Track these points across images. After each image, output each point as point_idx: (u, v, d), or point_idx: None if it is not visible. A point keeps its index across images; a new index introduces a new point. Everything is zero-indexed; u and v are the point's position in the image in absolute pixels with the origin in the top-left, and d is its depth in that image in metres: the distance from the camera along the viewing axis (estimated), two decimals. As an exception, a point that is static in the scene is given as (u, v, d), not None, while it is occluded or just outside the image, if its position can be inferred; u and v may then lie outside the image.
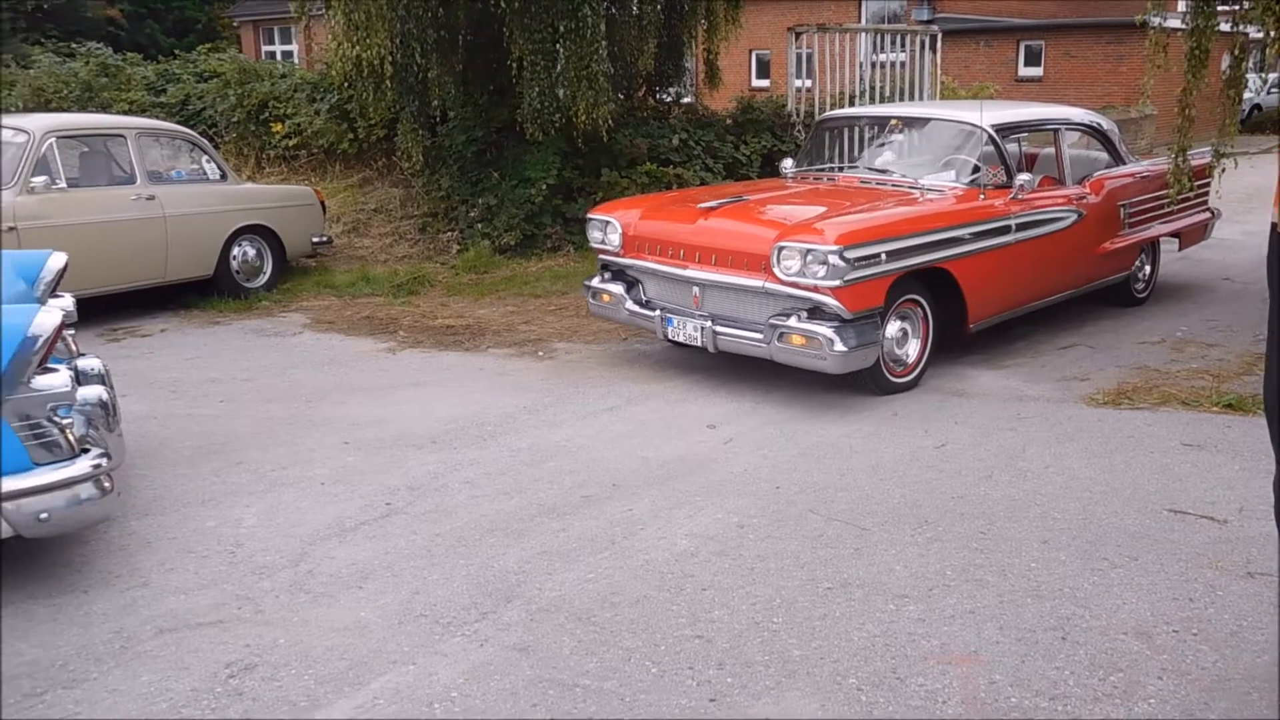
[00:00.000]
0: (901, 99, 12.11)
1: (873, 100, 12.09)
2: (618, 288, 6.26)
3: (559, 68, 9.58)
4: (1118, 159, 7.51)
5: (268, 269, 8.63)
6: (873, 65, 12.64)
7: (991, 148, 6.41)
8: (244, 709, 2.91)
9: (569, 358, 6.71)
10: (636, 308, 6.14)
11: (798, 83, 12.57)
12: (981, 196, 6.15)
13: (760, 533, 4.03)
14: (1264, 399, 2.76)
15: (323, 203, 9.38)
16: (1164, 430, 5.11)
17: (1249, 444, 4.87)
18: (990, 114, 6.58)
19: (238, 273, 8.41)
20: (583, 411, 5.58)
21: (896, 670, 3.08)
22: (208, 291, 8.26)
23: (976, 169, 6.33)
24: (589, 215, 6.53)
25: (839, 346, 5.26)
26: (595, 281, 6.46)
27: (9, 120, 7.83)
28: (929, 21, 19.04)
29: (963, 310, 5.97)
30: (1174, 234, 7.99)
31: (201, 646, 3.24)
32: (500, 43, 9.81)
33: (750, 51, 24.63)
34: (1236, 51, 7.30)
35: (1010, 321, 6.71)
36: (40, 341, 3.39)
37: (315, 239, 9.08)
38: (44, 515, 3.37)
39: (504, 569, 3.75)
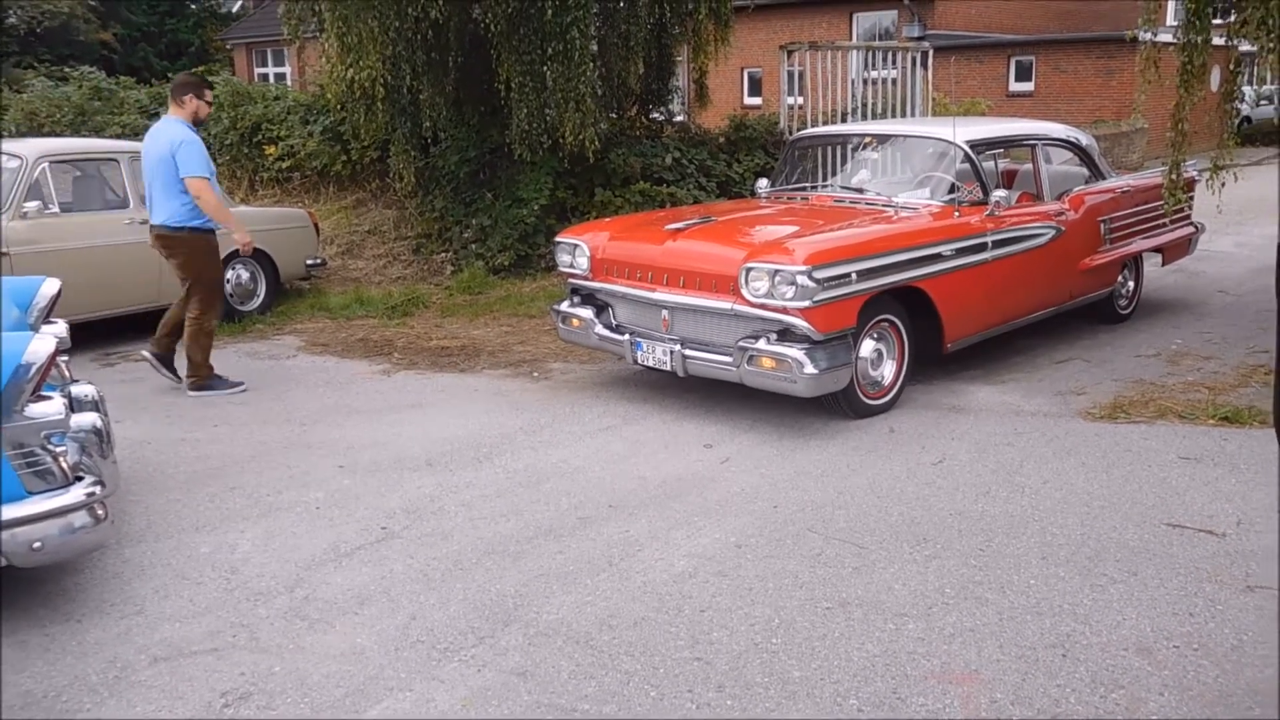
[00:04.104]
0: (893, 116, 12.17)
1: (865, 117, 12.15)
2: (587, 312, 6.21)
3: (548, 89, 9.62)
4: (1098, 174, 7.52)
5: (261, 292, 8.62)
6: (865, 82, 12.72)
7: (967, 165, 6.42)
8: (240, 738, 2.90)
9: (565, 378, 6.71)
10: (606, 332, 6.08)
11: (790, 100, 12.63)
12: (957, 214, 6.13)
13: (759, 552, 4.03)
14: (1274, 414, 2.74)
15: (316, 225, 9.38)
16: (1161, 444, 5.11)
17: (1246, 457, 4.87)
18: (965, 130, 6.59)
19: (231, 296, 8.38)
20: (579, 432, 5.58)
21: (897, 690, 3.07)
22: (201, 315, 8.23)
23: (952, 186, 6.34)
24: (557, 239, 6.49)
25: (809, 369, 5.20)
26: (564, 306, 6.40)
27: (3, 145, 7.84)
28: (920, 38, 19.15)
29: (939, 330, 5.93)
30: (1157, 249, 7.97)
31: (197, 675, 3.22)
32: (490, 64, 9.86)
33: (742, 69, 24.76)
34: (1233, 66, 7.35)
35: (1006, 336, 6.72)
36: (34, 369, 3.38)
37: (309, 261, 9.08)
38: (37, 544, 3.35)
39: (502, 592, 3.74)
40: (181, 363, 6.52)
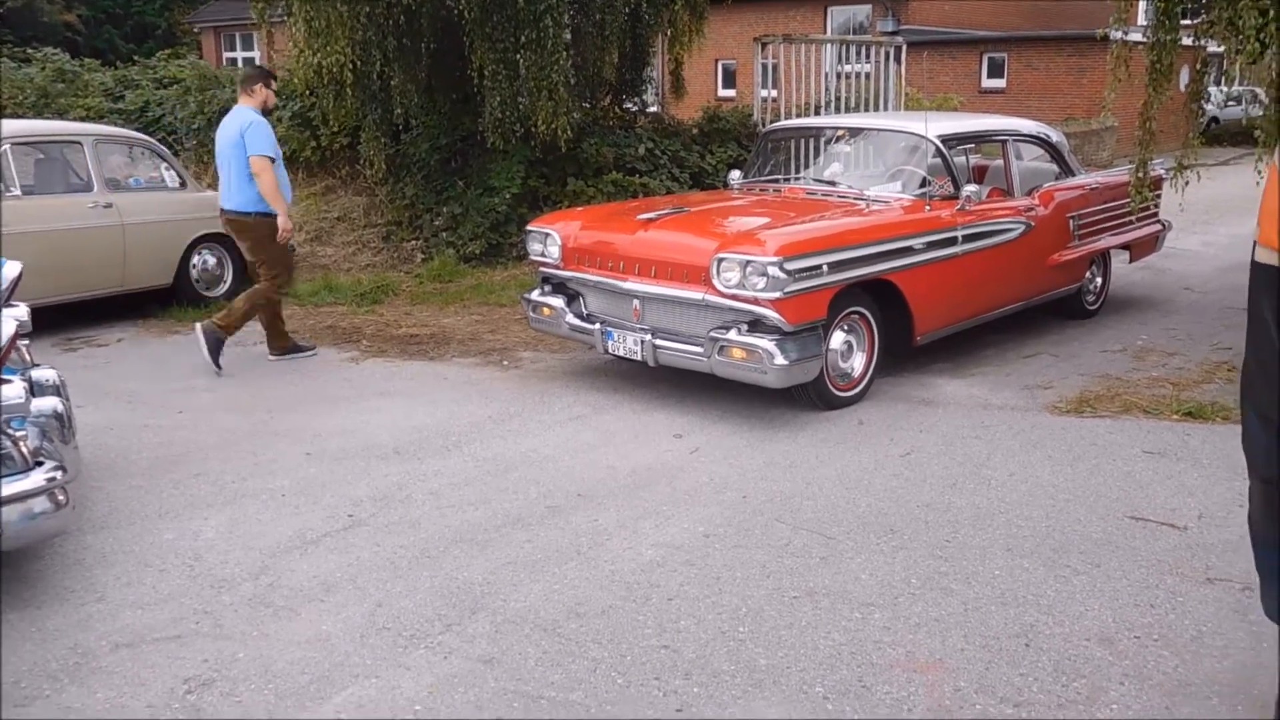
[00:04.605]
0: (866, 110, 12.22)
1: (837, 111, 12.20)
2: (558, 301, 6.20)
3: (521, 77, 9.59)
4: (1067, 171, 7.60)
5: (228, 278, 8.54)
6: (838, 76, 12.77)
7: (938, 159, 6.47)
8: (203, 725, 2.88)
9: (535, 367, 6.70)
10: (577, 321, 6.09)
11: (764, 93, 12.67)
12: (928, 208, 6.18)
13: (727, 542, 4.04)
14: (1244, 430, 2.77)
15: (286, 211, 9.29)
16: (1126, 438, 5.18)
17: (1209, 452, 4.95)
18: (936, 125, 6.63)
19: (198, 281, 8.33)
20: (549, 421, 5.57)
21: (863, 679, 3.09)
22: (167, 300, 8.17)
23: (924, 180, 6.38)
24: (528, 228, 6.48)
25: (779, 360, 5.22)
26: (535, 295, 6.40)
27: (-38, 127, 7.72)
28: (893, 33, 19.24)
29: (909, 323, 5.98)
30: (1125, 246, 8.07)
31: (159, 662, 3.19)
32: (463, 51, 9.81)
33: (716, 61, 24.78)
34: (1199, 66, 7.44)
35: (975, 330, 6.78)
36: (-7, 352, 3.34)
37: (276, 247, 8.99)
38: (-4, 529, 3.31)
39: (469, 580, 3.74)
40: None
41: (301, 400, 5.98)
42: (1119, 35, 7.24)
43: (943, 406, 5.75)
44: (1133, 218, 7.90)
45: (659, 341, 5.65)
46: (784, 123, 8.75)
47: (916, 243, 5.94)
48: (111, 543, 4.01)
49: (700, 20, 11.98)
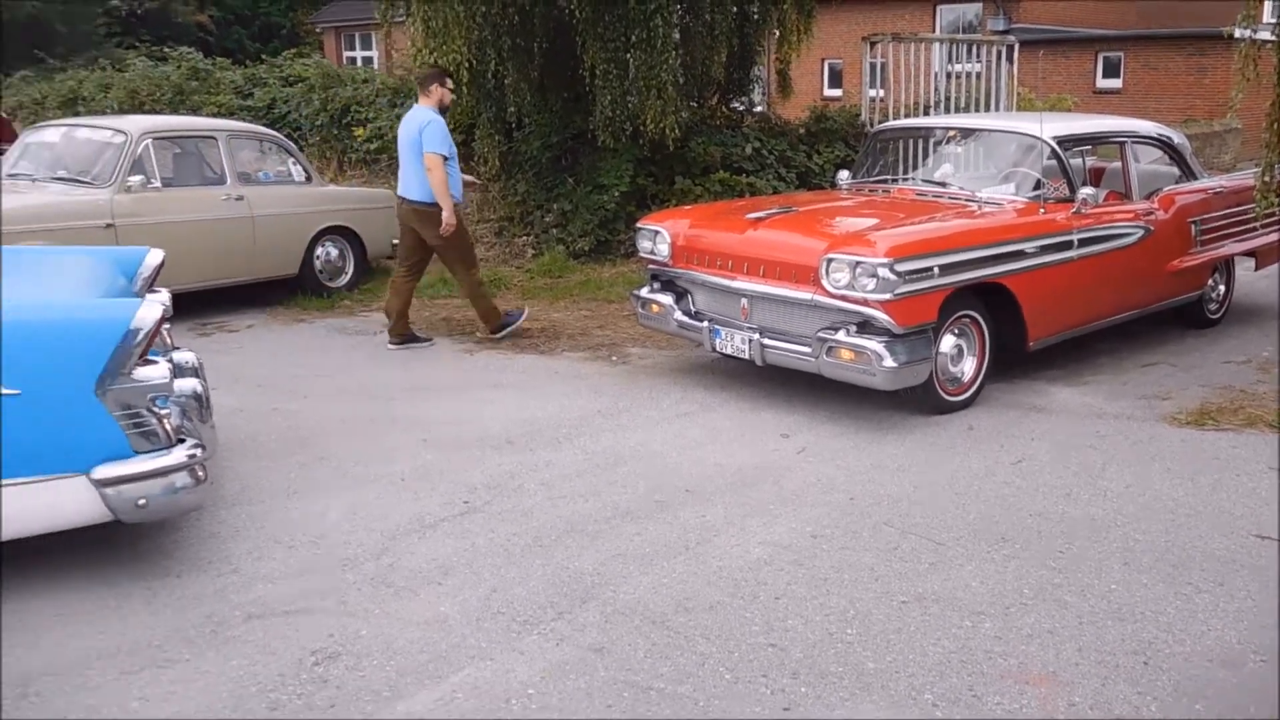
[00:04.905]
0: (976, 110, 11.95)
1: (946, 111, 11.95)
2: (666, 298, 6.23)
3: (630, 76, 9.63)
4: (1189, 174, 7.31)
5: (349, 269, 8.79)
6: (947, 76, 12.50)
7: (1054, 161, 6.29)
8: (329, 696, 2.97)
9: (643, 363, 6.73)
10: (685, 318, 6.10)
11: (871, 93, 12.48)
12: (1042, 210, 6.01)
13: (834, 543, 4.01)
14: None
15: (402, 206, 9.51)
16: (1250, 452, 4.97)
17: (1340, 469, 4.72)
18: (1052, 126, 6.45)
19: (321, 272, 8.58)
20: (657, 417, 5.60)
21: (973, 688, 3.04)
22: (292, 290, 8.43)
23: (1038, 183, 6.22)
24: (638, 225, 6.52)
25: (888, 362, 5.15)
26: (644, 292, 6.43)
27: (109, 121, 8.09)
28: (1005, 32, 18.74)
29: (1022, 328, 5.83)
30: (1249, 253, 7.72)
31: (288, 633, 3.31)
32: (575, 51, 9.89)
33: (823, 61, 24.47)
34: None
35: (1090, 337, 6.58)
36: (142, 334, 3.49)
37: (395, 241, 9.19)
38: (142, 501, 3.47)
39: (580, 570, 3.78)
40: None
41: (418, 389, 6.13)
42: (1246, 33, 6.93)
43: (1055, 414, 5.60)
44: (1258, 224, 7.56)
45: (766, 341, 5.63)
46: (893, 122, 8.61)
47: (1030, 246, 5.79)
48: (243, 518, 4.17)
49: (809, 19, 11.84)
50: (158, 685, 3.00)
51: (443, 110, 6.98)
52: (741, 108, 12.62)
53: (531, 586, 3.66)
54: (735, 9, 10.70)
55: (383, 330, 7.19)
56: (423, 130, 6.70)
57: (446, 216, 6.77)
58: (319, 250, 8.52)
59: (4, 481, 3.33)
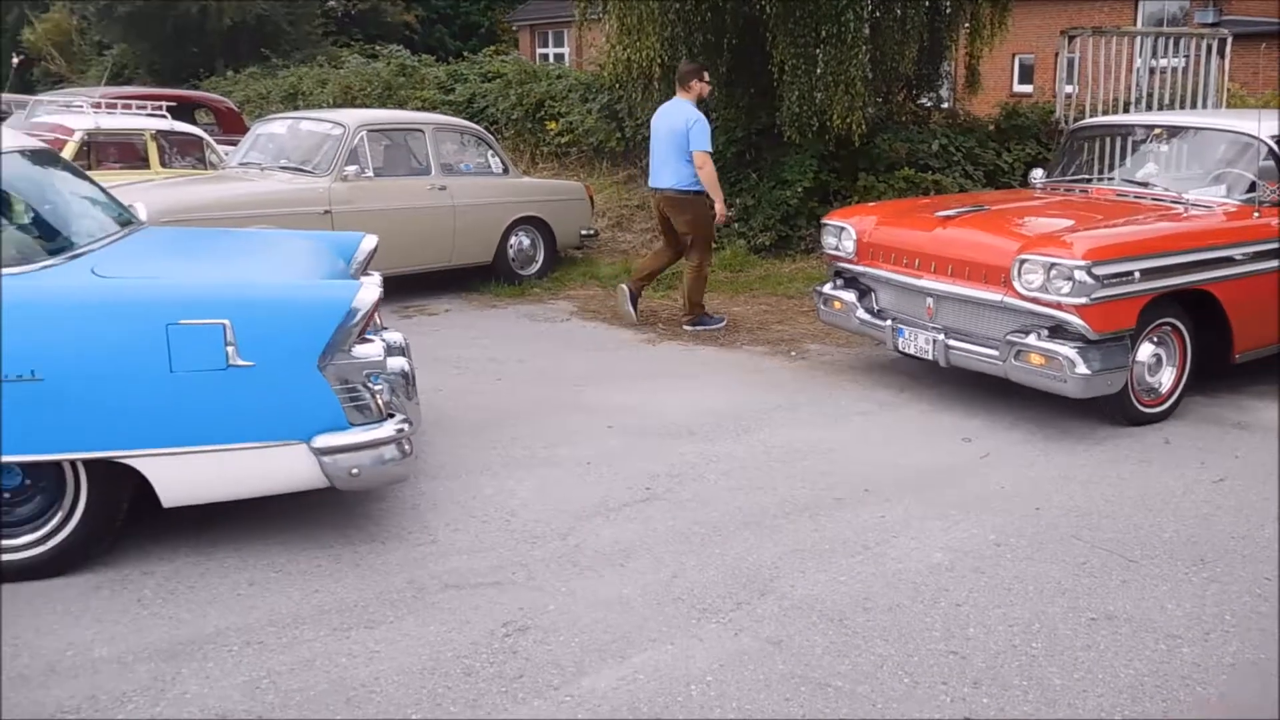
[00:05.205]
0: (1181, 108, 11.19)
1: (1148, 109, 11.25)
2: (849, 295, 6.11)
3: (818, 72, 9.49)
4: None
5: (540, 258, 9.03)
6: (1150, 71, 11.76)
7: (1271, 161, 5.80)
8: (518, 666, 3.08)
9: (822, 359, 6.65)
10: (868, 316, 5.98)
11: (1067, 89, 11.88)
12: (1256, 214, 5.57)
13: (1019, 553, 3.86)
14: None
15: (591, 198, 9.71)
16: None
17: None
18: (1271, 124, 5.95)
19: (513, 260, 8.84)
20: (836, 414, 5.52)
21: (1169, 715, 2.87)
22: (486, 277, 8.72)
23: (1252, 185, 5.76)
24: (824, 220, 6.42)
25: (1081, 369, 4.89)
26: (827, 288, 6.33)
27: (328, 115, 8.57)
28: (1215, 24, 17.47)
29: (1227, 338, 5.43)
30: None
31: (481, 604, 3.44)
32: (764, 46, 9.81)
33: (1013, 56, 23.43)
34: None
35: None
36: (360, 314, 3.68)
37: (583, 232, 9.43)
38: (355, 471, 3.67)
39: (758, 562, 3.78)
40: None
41: (604, 376, 6.24)
42: None
43: (1262, 432, 5.20)
44: None
45: (951, 342, 5.46)
46: (1093, 120, 8.16)
47: (1240, 252, 5.40)
48: (441, 492, 4.36)
49: (1004, 13, 11.37)
50: (364, 644, 3.17)
51: (700, 103, 7.20)
52: (929, 104, 12.26)
53: (711, 575, 3.68)
54: (927, 3, 10.37)
55: (569, 319, 7.37)
56: (690, 128, 6.95)
57: (720, 209, 7.16)
58: (512, 239, 8.79)
59: (235, 446, 3.58)
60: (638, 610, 3.42)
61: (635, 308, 7.52)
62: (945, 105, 13.00)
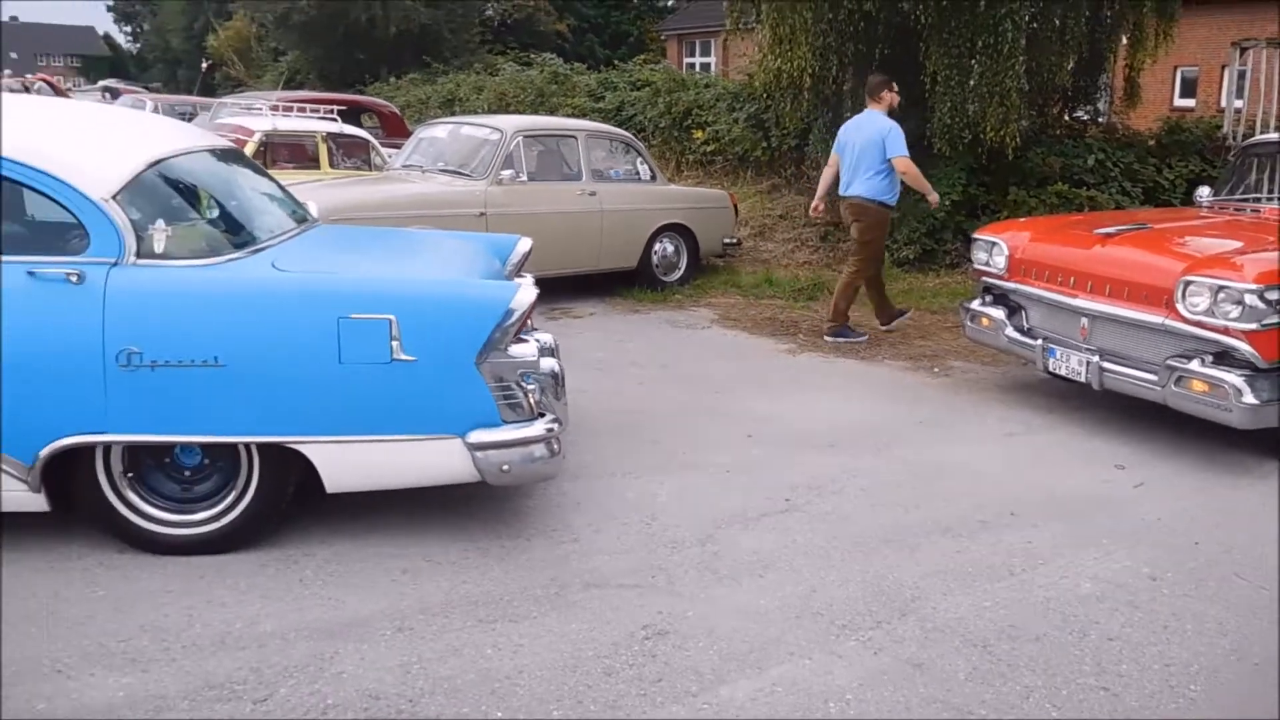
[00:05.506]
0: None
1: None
2: (998, 312, 5.89)
3: (971, 83, 9.20)
4: None
5: (682, 265, 9.02)
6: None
7: None
8: (657, 670, 3.07)
9: (966, 377, 6.44)
10: (1017, 335, 5.74)
11: (1237, 103, 11.19)
12: None
13: (1176, 589, 3.64)
14: None
15: (735, 206, 9.67)
16: None
17: None
18: None
19: (657, 266, 8.85)
20: (980, 433, 5.34)
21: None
22: (630, 282, 8.75)
23: None
24: (975, 235, 6.22)
25: (1249, 398, 4.58)
26: (974, 304, 6.12)
27: (487, 120, 8.78)
28: (1406, 37, 16.13)
29: None
30: None
31: (621, 605, 3.44)
32: (916, 57, 9.58)
33: (1175, 68, 22.21)
34: None
35: None
36: (517, 315, 3.73)
37: (726, 240, 9.39)
38: (505, 467, 3.73)
39: (899, 581, 3.67)
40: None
41: (744, 384, 6.20)
42: None
43: None
44: None
45: (1106, 364, 5.20)
46: (1266, 136, 7.66)
47: None
48: (584, 492, 4.39)
49: (1170, 23, 10.79)
50: (508, 637, 3.22)
51: (891, 113, 7.24)
52: (1085, 117, 11.75)
53: (850, 591, 3.59)
54: (1088, 12, 9.93)
55: (710, 326, 7.34)
56: (885, 136, 6.99)
57: (933, 198, 7.32)
58: (657, 245, 8.81)
59: (395, 437, 3.69)
60: (776, 622, 3.37)
61: (902, 313, 7.58)
62: (1102, 119, 12.43)
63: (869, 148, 7.06)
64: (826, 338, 7.26)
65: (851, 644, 3.25)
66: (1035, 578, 3.72)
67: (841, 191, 7.33)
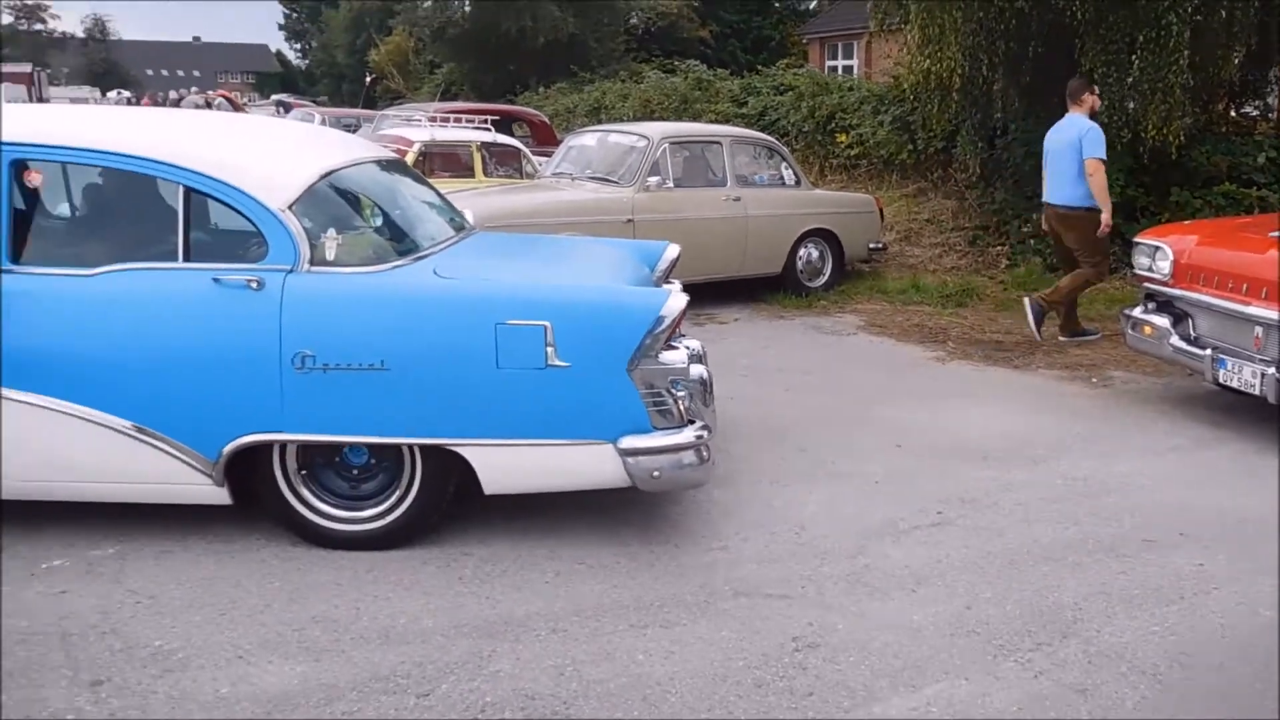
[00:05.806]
0: None
1: None
2: (1162, 320, 5.53)
3: (1131, 79, 8.70)
4: None
5: (827, 270, 8.86)
6: None
7: None
8: (808, 684, 3.00)
9: (1127, 388, 6.09)
10: (1182, 344, 5.38)
11: None
12: None
13: (1370, 623, 3.34)
14: None
15: (881, 211, 9.44)
16: None
17: None
18: None
19: (801, 272, 8.71)
20: (1143, 447, 5.04)
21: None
22: (774, 287, 8.64)
23: None
24: (1136, 240, 5.87)
25: None
26: (1136, 311, 5.77)
27: (634, 128, 8.83)
28: None
29: None
30: None
31: (771, 615, 3.38)
32: (1071, 55, 9.13)
33: (1358, 58, 20.55)
34: None
35: None
36: (668, 321, 3.72)
37: (871, 245, 9.18)
38: (656, 473, 3.71)
39: (1059, 602, 3.49)
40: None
41: (891, 392, 6.03)
42: None
43: None
44: None
45: None
46: None
47: None
48: (732, 499, 4.34)
49: (1353, 9, 9.96)
50: (660, 643, 3.20)
51: (1093, 115, 7.05)
52: (1254, 112, 10.98)
53: (1007, 610, 3.43)
54: (1258, 2, 9.26)
55: (856, 333, 7.18)
56: (1084, 136, 6.79)
57: (1105, 218, 6.85)
58: (801, 251, 8.68)
59: (550, 441, 3.73)
60: (929, 639, 3.24)
61: (1088, 333, 7.22)
62: (1273, 114, 11.59)
63: (1067, 150, 6.87)
64: (1061, 339, 7.07)
65: (1010, 665, 3.10)
66: (1209, 603, 3.48)
67: (1045, 198, 7.15)
